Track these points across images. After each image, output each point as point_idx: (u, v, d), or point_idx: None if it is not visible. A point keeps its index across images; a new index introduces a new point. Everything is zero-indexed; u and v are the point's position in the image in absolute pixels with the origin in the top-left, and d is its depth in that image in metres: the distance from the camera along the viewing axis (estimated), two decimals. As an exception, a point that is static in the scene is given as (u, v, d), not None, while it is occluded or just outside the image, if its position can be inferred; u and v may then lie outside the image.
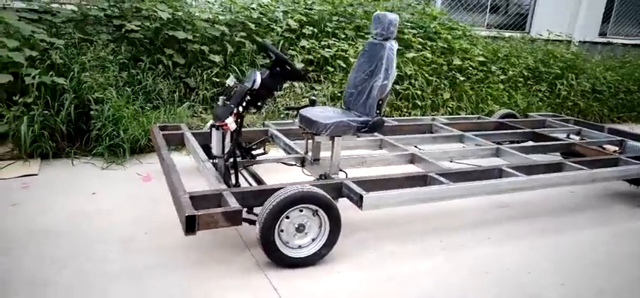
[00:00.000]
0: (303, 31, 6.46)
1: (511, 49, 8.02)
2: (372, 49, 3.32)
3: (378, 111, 3.19)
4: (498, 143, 4.96)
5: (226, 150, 2.92)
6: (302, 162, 3.62)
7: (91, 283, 2.54)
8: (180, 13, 5.65)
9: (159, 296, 2.46)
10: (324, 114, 3.21)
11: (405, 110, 6.17)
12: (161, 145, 3.62)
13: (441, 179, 3.23)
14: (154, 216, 3.32)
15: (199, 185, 3.26)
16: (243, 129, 4.39)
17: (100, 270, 2.68)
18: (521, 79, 7.36)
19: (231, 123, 2.81)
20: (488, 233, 3.44)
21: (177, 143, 4.18)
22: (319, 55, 6.23)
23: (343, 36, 6.68)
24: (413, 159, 3.86)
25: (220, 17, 6.10)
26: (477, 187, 3.25)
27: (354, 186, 2.96)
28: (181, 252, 2.88)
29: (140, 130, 4.52)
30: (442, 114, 6.27)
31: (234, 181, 3.08)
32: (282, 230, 2.72)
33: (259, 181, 3.39)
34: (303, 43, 6.23)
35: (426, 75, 6.40)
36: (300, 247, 2.79)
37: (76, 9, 5.51)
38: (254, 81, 2.85)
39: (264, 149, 4.28)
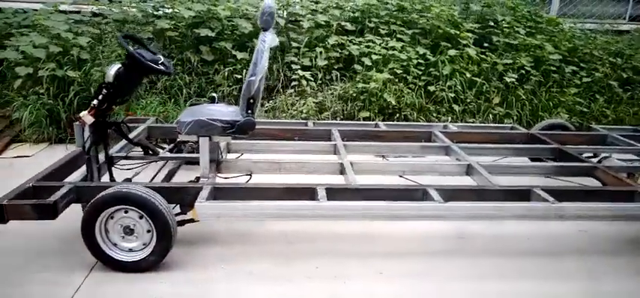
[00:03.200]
0: (343, 26, 6.12)
1: (617, 44, 6.41)
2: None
3: (249, 111, 2.84)
4: (539, 159, 4.04)
5: (87, 144, 2.90)
6: (217, 164, 3.42)
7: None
8: (203, 9, 5.83)
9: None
10: (202, 112, 2.97)
11: (434, 115, 5.40)
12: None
13: (322, 193, 2.74)
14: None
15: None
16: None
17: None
18: (614, 83, 5.82)
19: (85, 116, 2.79)
20: (389, 267, 2.80)
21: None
22: (347, 53, 5.82)
23: (384, 31, 6.12)
24: (342, 169, 3.35)
25: (248, 12, 6.12)
26: (359, 208, 2.68)
27: (204, 193, 2.69)
28: (40, 239, 2.94)
29: (129, 122, 4.80)
30: (480, 122, 5.32)
31: (106, 176, 3.05)
32: (107, 231, 2.61)
33: (166, 180, 3.31)
34: (333, 39, 5.88)
35: (468, 75, 5.49)
36: (131, 251, 2.64)
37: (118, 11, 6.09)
38: (105, 75, 2.78)
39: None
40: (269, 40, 2.81)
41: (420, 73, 5.57)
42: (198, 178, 3.00)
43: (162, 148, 4.06)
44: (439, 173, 3.45)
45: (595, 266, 2.93)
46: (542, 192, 2.89)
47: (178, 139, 3.13)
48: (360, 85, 5.30)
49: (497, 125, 4.94)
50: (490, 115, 5.37)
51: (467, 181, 3.33)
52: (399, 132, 4.35)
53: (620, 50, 6.19)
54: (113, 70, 2.77)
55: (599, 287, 2.71)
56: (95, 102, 2.81)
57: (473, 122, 5.32)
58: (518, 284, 2.68)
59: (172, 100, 5.53)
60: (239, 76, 5.77)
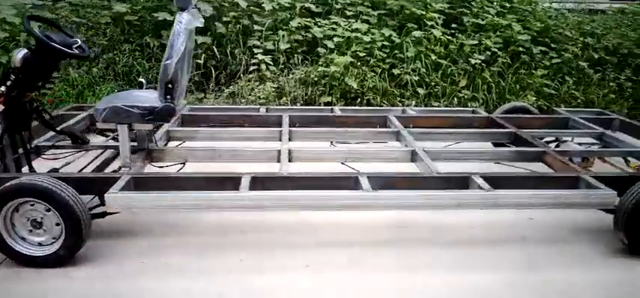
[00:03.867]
0: (308, 8, 5.94)
1: (592, 23, 6.24)
2: (178, 24, 2.81)
3: (168, 97, 2.69)
4: (502, 144, 3.90)
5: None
6: (148, 152, 3.28)
7: None
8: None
9: None
10: (120, 98, 2.81)
11: (399, 99, 5.25)
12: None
13: (245, 183, 2.60)
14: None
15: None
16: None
17: None
18: (583, 64, 5.66)
19: (-7, 104, 2.64)
20: (317, 259, 2.67)
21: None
22: (310, 35, 5.65)
23: (350, 12, 5.94)
24: (279, 156, 3.21)
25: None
26: (281, 198, 2.54)
27: (119, 183, 2.55)
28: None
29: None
30: (445, 105, 5.18)
31: (23, 166, 2.90)
32: (14, 224, 2.47)
33: (99, 169, 3.16)
34: (296, 21, 5.70)
35: (433, 57, 5.33)
36: (40, 245, 2.50)
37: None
38: (11, 60, 2.62)
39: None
40: (186, 20, 2.64)
41: (385, 55, 5.41)
42: (120, 167, 2.86)
43: (107, 136, 3.92)
44: (383, 159, 3.32)
45: (536, 255, 2.81)
46: (479, 179, 2.75)
47: (98, 126, 2.98)
48: (321, 69, 5.14)
49: (458, 108, 4.81)
50: (455, 99, 5.22)
51: (412, 168, 3.20)
52: (354, 117, 4.21)
53: (593, 30, 6.02)
54: (20, 54, 2.61)
55: (536, 277, 2.58)
56: (3, 88, 2.64)
57: (438, 105, 5.18)
58: (450, 276, 2.56)
59: (130, 87, 5.38)
60: (199, 61, 5.61)
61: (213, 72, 5.56)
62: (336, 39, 5.36)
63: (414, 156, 3.27)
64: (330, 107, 4.51)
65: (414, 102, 5.16)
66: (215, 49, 5.62)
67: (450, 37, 5.52)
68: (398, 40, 5.48)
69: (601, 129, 3.92)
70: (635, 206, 2.64)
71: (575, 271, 2.65)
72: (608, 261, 2.75)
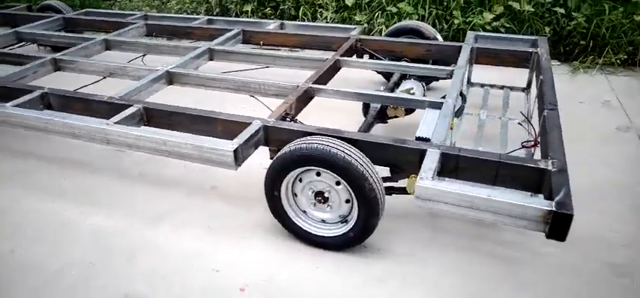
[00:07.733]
0: None
1: None
2: None
3: None
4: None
5: None
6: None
7: None
8: None
9: None
10: None
11: (319, 10, 4.51)
12: None
13: None
14: None
15: None
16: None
17: None
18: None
19: None
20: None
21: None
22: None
23: None
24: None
25: None
26: None
27: None
28: None
29: None
30: (366, 20, 4.27)
31: None
32: None
33: None
34: None
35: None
36: None
37: None
38: None
39: None
40: None
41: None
42: None
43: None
44: (138, 78, 2.98)
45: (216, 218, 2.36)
46: (132, 110, 2.36)
47: None
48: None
49: (339, 26, 3.93)
50: (387, 13, 4.25)
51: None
52: (207, 28, 3.89)
53: None
54: None
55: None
56: None
57: (355, 20, 4.30)
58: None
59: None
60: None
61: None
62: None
63: (172, 77, 2.92)
64: (197, 16, 4.13)
65: (329, 14, 4.39)
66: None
67: None
68: None
69: (452, 67, 2.86)
70: (277, 163, 2.01)
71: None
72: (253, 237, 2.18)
